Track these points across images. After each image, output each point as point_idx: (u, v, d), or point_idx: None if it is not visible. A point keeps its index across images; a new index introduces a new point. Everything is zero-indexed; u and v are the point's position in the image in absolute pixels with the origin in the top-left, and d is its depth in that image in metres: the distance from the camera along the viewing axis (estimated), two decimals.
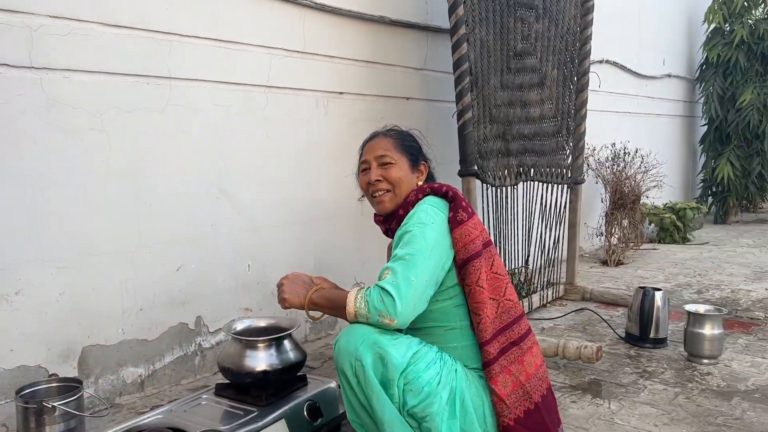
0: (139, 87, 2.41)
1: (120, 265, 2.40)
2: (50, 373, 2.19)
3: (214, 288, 2.72)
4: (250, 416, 1.90)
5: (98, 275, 2.34)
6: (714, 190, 7.41)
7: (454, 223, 1.75)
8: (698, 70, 7.55)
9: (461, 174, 3.07)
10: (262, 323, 2.20)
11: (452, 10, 2.98)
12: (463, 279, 1.75)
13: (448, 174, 3.07)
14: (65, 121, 2.22)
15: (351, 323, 1.67)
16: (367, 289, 1.66)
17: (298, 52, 2.97)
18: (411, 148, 1.94)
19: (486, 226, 3.25)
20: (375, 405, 1.60)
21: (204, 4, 2.59)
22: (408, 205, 1.84)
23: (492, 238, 3.27)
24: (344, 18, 3.17)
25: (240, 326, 2.15)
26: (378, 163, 1.90)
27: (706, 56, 7.28)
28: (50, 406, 1.90)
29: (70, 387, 2.05)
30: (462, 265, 1.74)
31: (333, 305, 1.74)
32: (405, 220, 1.77)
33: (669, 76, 7.08)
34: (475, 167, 3.06)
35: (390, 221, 1.91)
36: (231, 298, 2.78)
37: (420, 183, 1.92)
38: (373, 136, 1.98)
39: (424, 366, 1.64)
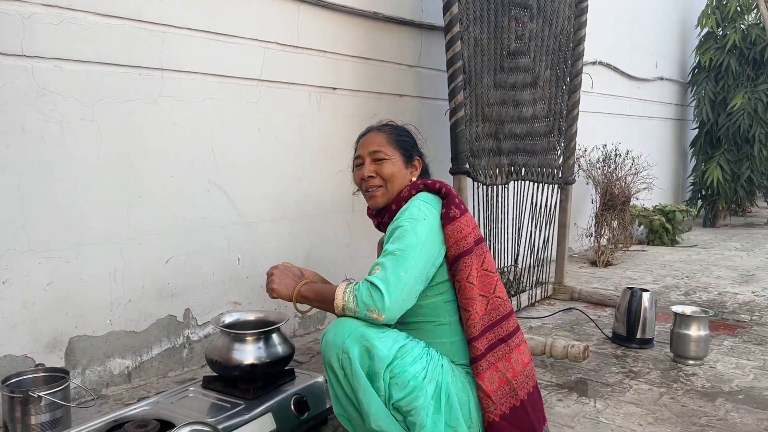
0: (132, 78, 2.40)
1: (109, 256, 2.39)
2: (37, 363, 2.18)
3: (204, 281, 2.71)
4: (237, 409, 1.90)
5: (87, 266, 2.33)
6: (703, 193, 7.46)
7: (446, 220, 1.76)
8: (690, 74, 7.60)
9: (452, 172, 3.08)
10: (251, 317, 2.21)
11: (447, 8, 2.98)
12: (453, 275, 1.76)
13: (439, 172, 3.06)
14: (56, 111, 2.21)
15: (339, 317, 1.68)
16: (356, 283, 1.66)
17: (291, 46, 2.97)
18: (405, 143, 1.94)
19: None
20: (361, 398, 1.60)
21: None
22: (401, 200, 1.85)
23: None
24: (339, 13, 3.16)
25: (228, 319, 2.15)
26: (371, 159, 1.90)
27: (699, 60, 7.32)
28: (36, 395, 1.89)
29: (57, 377, 2.04)
30: (453, 261, 1.75)
31: (322, 299, 1.74)
32: (397, 215, 1.78)
33: (661, 79, 7.13)
34: (467, 165, 3.06)
35: (382, 215, 1.92)
36: (220, 291, 2.78)
37: (414, 178, 1.93)
38: (368, 131, 1.98)
39: (411, 360, 1.65)
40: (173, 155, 2.56)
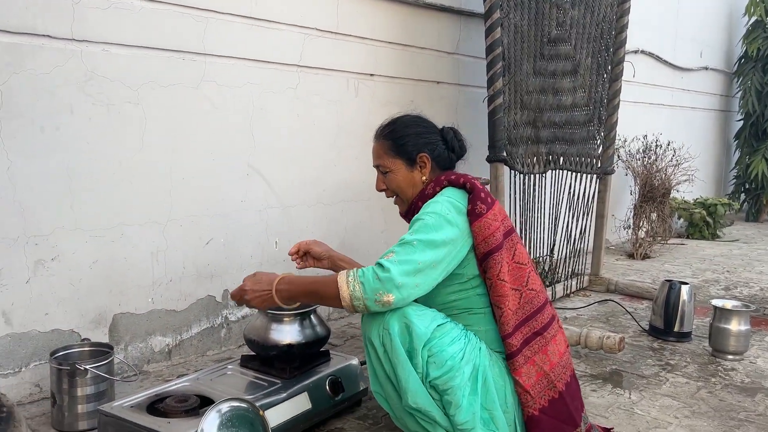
0: (175, 62, 2.45)
1: (151, 237, 2.45)
2: (83, 338, 2.26)
3: (242, 263, 2.76)
4: (274, 387, 1.94)
5: (130, 245, 2.39)
6: (747, 186, 7.26)
7: (472, 216, 1.72)
8: (736, 64, 7.38)
9: (490, 160, 3.06)
10: None
11: None
12: (484, 271, 1.73)
13: (476, 160, 3.05)
14: (103, 94, 2.27)
15: (345, 308, 1.64)
16: (359, 270, 1.62)
17: (331, 32, 2.98)
18: (404, 147, 1.87)
19: (512, 214, 3.25)
20: (399, 374, 1.62)
21: None
22: (426, 197, 1.83)
23: (518, 226, 3.27)
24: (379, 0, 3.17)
25: None
26: (379, 171, 1.93)
27: (746, 50, 7.10)
28: (83, 368, 1.97)
29: (102, 352, 2.12)
30: (482, 258, 1.72)
31: (309, 290, 1.70)
32: (421, 209, 1.76)
33: (706, 69, 6.94)
34: (504, 153, 3.05)
35: (411, 213, 1.89)
36: None
37: (425, 177, 1.87)
38: (374, 139, 1.95)
39: (449, 340, 1.66)
40: (214, 139, 2.61)
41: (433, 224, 1.67)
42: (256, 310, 2.13)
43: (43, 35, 2.10)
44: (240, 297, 1.79)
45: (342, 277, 1.62)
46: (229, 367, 2.11)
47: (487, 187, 2.98)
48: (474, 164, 2.83)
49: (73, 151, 2.21)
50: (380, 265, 1.60)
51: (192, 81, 2.50)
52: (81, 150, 2.23)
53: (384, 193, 1.97)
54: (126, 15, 2.29)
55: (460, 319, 1.78)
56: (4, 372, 2.11)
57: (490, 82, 3.02)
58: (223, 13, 2.55)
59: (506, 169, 3.11)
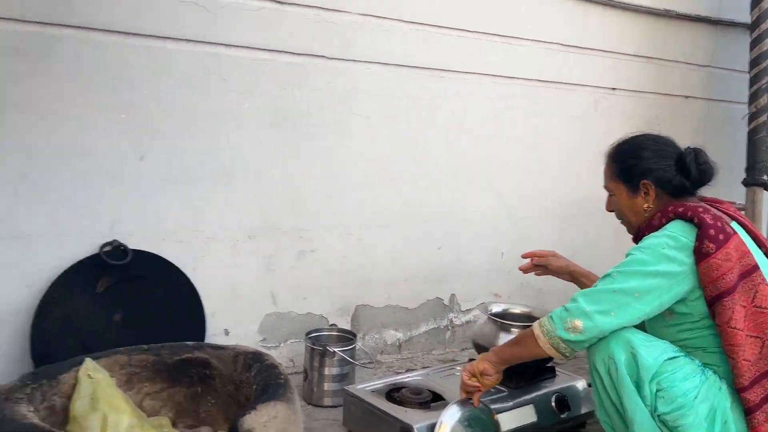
0: (426, 79, 2.63)
1: (393, 239, 2.67)
2: (330, 323, 2.55)
3: (469, 270, 2.87)
4: (501, 395, 1.98)
5: (374, 245, 2.63)
6: None
7: (699, 256, 1.57)
8: None
9: (746, 183, 2.80)
10: (517, 309, 2.29)
11: (755, 3, 2.72)
12: (713, 315, 1.59)
13: (729, 182, 2.81)
14: (361, 107, 2.52)
15: (548, 352, 1.65)
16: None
17: (574, 47, 2.97)
18: (628, 171, 1.79)
19: None
20: (626, 404, 1.57)
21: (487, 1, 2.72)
22: (653, 228, 1.71)
23: None
24: (627, 12, 3.06)
25: (496, 309, 2.26)
26: (607, 192, 1.89)
27: None
28: (332, 350, 2.22)
29: (346, 338, 2.36)
30: (711, 302, 1.58)
31: (512, 347, 1.75)
32: (641, 241, 1.68)
33: None
34: (765, 177, 2.76)
35: (638, 240, 1.79)
36: (483, 281, 2.92)
37: (648, 204, 1.76)
38: (604, 159, 1.91)
39: (683, 376, 1.56)
40: (455, 150, 2.76)
41: (641, 259, 1.61)
42: (486, 317, 2.21)
43: (320, 56, 2.41)
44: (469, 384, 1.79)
45: (535, 322, 1.68)
46: (458, 368, 2.20)
47: (743, 212, 2.73)
48: (728, 187, 2.61)
49: (334, 158, 2.50)
50: (572, 298, 1.62)
51: (441, 96, 2.67)
52: (341, 157, 2.51)
53: (614, 213, 1.92)
54: (388, 36, 2.52)
55: (695, 357, 1.66)
56: (269, 345, 2.46)
57: (753, 98, 2.76)
58: (473, 32, 2.68)
59: (766, 194, 2.81)
